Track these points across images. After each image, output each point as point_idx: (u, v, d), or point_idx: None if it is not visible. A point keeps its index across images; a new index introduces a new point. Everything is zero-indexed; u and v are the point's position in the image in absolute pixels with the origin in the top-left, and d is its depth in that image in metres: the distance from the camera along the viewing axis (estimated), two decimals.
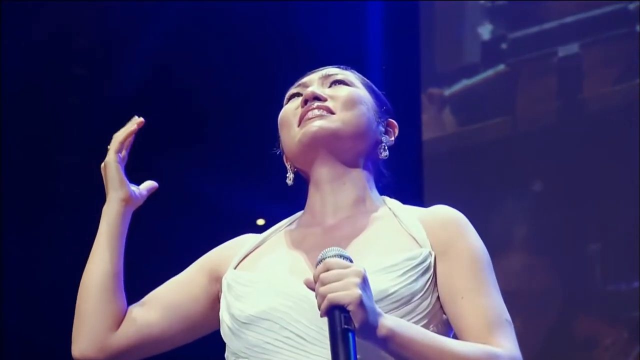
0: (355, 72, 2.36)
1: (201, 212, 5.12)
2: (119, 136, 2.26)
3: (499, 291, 2.11)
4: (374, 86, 2.35)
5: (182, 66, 5.12)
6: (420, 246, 2.11)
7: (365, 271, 1.90)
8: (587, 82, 4.58)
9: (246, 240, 2.29)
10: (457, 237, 2.12)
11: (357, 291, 1.85)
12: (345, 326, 1.84)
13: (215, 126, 5.23)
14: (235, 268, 2.21)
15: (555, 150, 4.63)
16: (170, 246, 4.68)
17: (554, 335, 4.50)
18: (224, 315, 2.14)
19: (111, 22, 4.99)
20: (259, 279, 2.12)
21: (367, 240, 2.14)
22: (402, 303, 2.03)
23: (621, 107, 4.48)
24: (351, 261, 1.92)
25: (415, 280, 2.05)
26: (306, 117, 2.21)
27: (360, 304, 1.85)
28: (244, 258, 2.23)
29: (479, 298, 2.06)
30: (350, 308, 1.85)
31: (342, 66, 2.36)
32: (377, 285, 1.99)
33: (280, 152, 2.35)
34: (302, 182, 2.31)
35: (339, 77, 2.30)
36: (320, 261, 1.91)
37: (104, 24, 5.01)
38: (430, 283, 2.08)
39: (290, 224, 2.30)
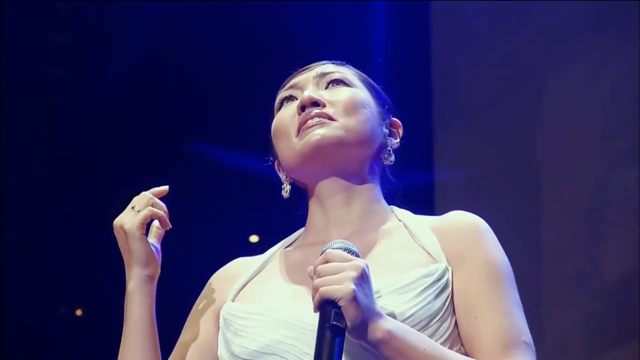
0: (352, 67, 2.17)
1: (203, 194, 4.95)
2: (154, 211, 1.97)
3: (521, 307, 1.92)
4: (373, 82, 2.17)
5: (179, 57, 4.96)
6: (435, 261, 1.93)
7: (366, 266, 1.78)
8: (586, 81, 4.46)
9: (244, 266, 2.10)
10: (472, 245, 1.94)
11: (350, 286, 1.73)
12: (334, 322, 1.72)
13: (213, 124, 5.08)
14: (233, 300, 2.02)
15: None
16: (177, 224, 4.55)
17: None
18: (222, 352, 1.96)
19: (93, 19, 4.85)
20: (258, 310, 1.94)
21: (377, 258, 1.96)
22: (421, 326, 1.85)
23: (621, 107, 4.35)
24: (358, 255, 1.80)
25: (433, 300, 1.88)
26: (305, 125, 2.02)
27: (353, 299, 1.72)
28: (242, 288, 2.04)
29: (495, 316, 1.88)
30: (341, 303, 1.73)
31: (336, 62, 2.16)
32: (393, 307, 1.84)
33: (272, 162, 2.16)
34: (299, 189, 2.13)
35: (335, 76, 2.11)
36: (324, 252, 1.81)
37: (87, 20, 4.87)
38: (449, 302, 1.90)
39: (290, 244, 2.12)
